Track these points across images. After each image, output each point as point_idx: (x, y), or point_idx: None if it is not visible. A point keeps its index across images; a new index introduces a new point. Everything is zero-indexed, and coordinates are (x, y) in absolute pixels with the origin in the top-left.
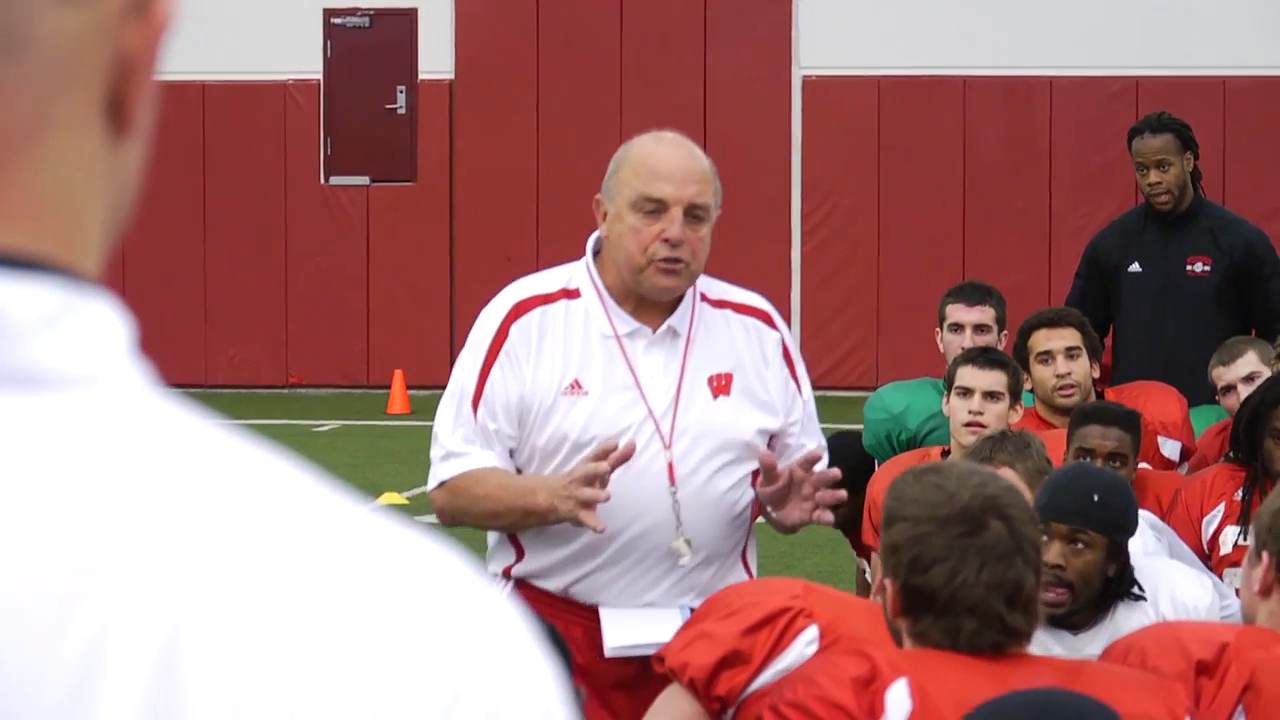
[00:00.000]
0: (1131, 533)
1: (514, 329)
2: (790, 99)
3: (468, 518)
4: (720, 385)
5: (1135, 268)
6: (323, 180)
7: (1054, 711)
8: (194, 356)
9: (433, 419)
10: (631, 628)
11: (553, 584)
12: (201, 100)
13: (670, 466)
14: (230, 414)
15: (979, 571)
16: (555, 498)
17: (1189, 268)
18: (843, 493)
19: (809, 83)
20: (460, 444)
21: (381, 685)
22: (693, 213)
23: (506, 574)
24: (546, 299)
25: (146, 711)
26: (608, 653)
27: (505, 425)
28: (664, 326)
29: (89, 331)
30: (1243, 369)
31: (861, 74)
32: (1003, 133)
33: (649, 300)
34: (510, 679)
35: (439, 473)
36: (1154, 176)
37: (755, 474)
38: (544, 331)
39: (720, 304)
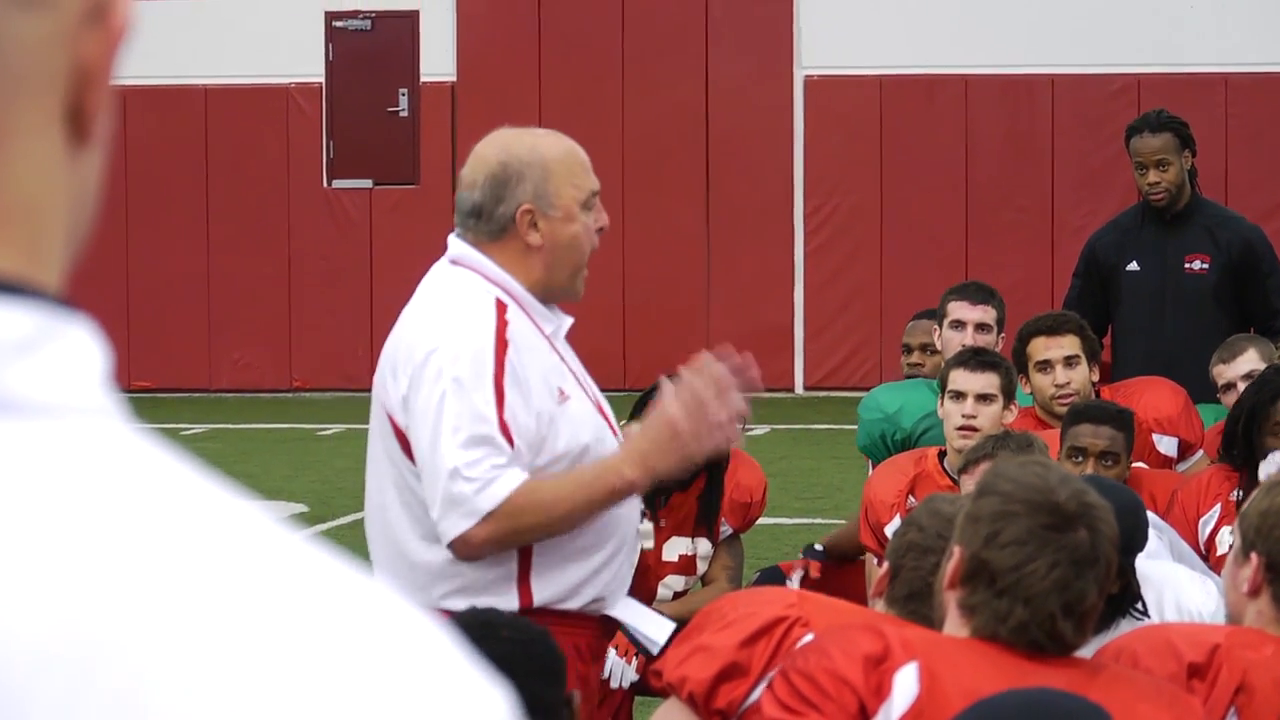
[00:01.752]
0: (1135, 552)
1: (510, 345)
2: (792, 99)
3: (534, 534)
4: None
5: (1133, 266)
6: (325, 184)
7: (1045, 711)
8: (198, 361)
9: None
10: (648, 619)
11: (573, 604)
12: (204, 104)
13: None
14: (235, 419)
15: (1051, 568)
16: (652, 460)
17: (1187, 266)
18: None
19: (810, 82)
20: (492, 469)
21: None
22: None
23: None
24: (504, 307)
25: None
26: (660, 648)
27: (526, 451)
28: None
29: (67, 360)
30: (1243, 366)
31: (863, 73)
32: (1004, 131)
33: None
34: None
35: (482, 504)
36: (1153, 176)
37: None
38: (522, 342)
39: None
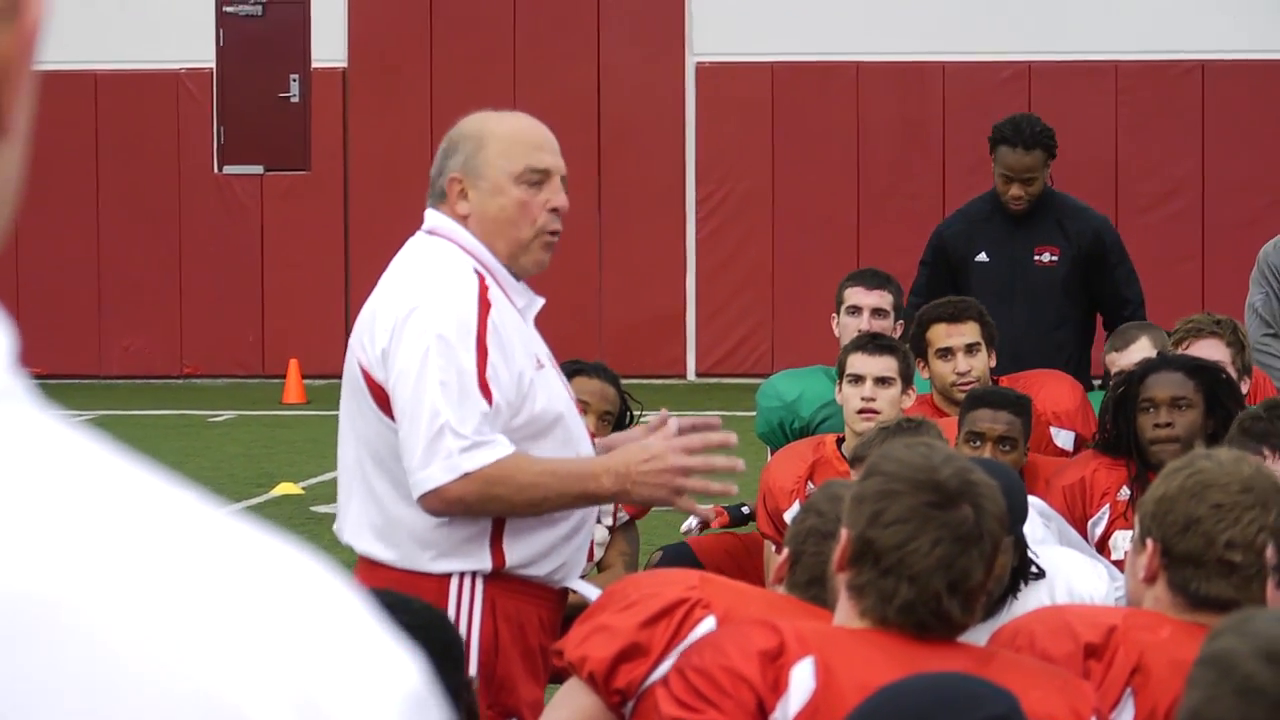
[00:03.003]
0: (1018, 525)
1: (493, 307)
2: (684, 85)
3: (501, 506)
4: None
5: (982, 257)
6: (216, 169)
7: (950, 696)
8: (88, 347)
9: (329, 408)
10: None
11: (540, 570)
12: (94, 90)
13: (588, 429)
14: (125, 405)
15: (934, 545)
16: (630, 483)
17: (1036, 258)
18: None
19: (703, 69)
20: (483, 431)
21: (237, 686)
22: (563, 181)
23: (473, 576)
24: (481, 275)
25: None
26: None
27: (506, 410)
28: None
29: None
30: (1136, 355)
31: (755, 60)
32: (896, 118)
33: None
34: (363, 689)
35: (465, 463)
36: (1016, 190)
37: None
38: (501, 308)
39: None
